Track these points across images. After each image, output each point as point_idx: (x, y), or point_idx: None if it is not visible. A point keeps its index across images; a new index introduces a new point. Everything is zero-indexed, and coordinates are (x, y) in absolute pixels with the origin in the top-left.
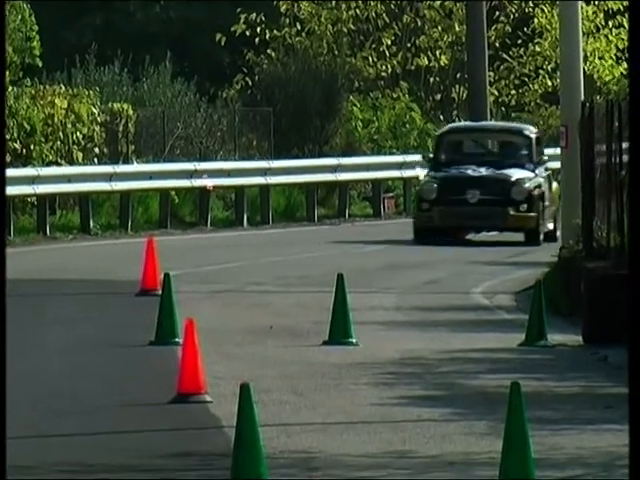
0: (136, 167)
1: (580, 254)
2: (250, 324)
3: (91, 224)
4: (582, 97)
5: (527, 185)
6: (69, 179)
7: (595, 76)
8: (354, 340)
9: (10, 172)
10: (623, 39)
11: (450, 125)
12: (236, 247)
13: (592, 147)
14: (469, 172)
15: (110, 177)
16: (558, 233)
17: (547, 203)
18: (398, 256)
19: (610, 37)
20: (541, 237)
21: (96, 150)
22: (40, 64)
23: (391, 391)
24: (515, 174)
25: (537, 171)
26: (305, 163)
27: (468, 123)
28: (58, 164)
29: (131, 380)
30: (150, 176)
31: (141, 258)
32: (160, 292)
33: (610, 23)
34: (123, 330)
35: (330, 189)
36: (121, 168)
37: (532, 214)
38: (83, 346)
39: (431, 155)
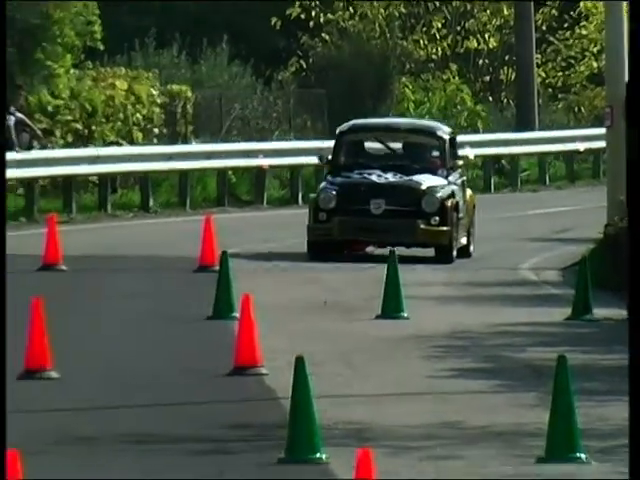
0: (194, 147)
1: (623, 229)
2: (305, 299)
3: (151, 202)
4: (626, 78)
5: (440, 194)
6: (129, 159)
7: None
8: (405, 314)
9: (73, 152)
10: None
11: (352, 122)
12: (291, 225)
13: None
14: (373, 178)
15: (169, 157)
16: (472, 248)
17: (461, 215)
18: None
19: None
20: (454, 253)
21: (155, 130)
22: (101, 47)
23: (441, 364)
24: (426, 181)
25: (450, 178)
26: None
27: (373, 120)
28: (119, 144)
29: (190, 353)
30: (208, 156)
31: (199, 235)
32: (218, 268)
33: None
34: (182, 305)
35: None
36: (180, 148)
37: (445, 228)
38: (143, 321)
39: (329, 157)
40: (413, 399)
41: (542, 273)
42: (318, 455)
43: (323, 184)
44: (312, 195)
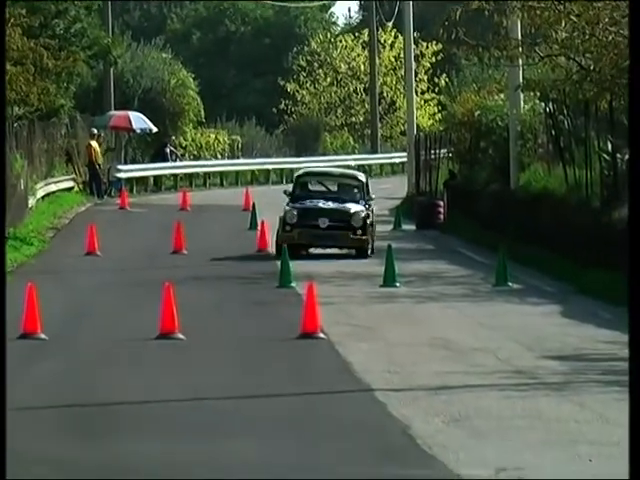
0: (241, 161)
1: (414, 194)
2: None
3: (224, 183)
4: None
5: (362, 215)
6: (214, 165)
7: None
8: (397, 284)
9: (192, 163)
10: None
11: (304, 170)
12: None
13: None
14: (320, 205)
15: (230, 164)
16: (374, 245)
17: (371, 228)
18: None
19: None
20: (369, 252)
21: (225, 154)
22: (203, 120)
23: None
24: (353, 207)
25: (366, 206)
26: None
27: (318, 169)
28: (210, 159)
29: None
30: (246, 165)
31: (243, 195)
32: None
33: None
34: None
35: None
36: (234, 161)
37: (365, 237)
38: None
39: (289, 191)
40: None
41: (382, 211)
42: (292, 284)
43: (287, 207)
44: (280, 215)
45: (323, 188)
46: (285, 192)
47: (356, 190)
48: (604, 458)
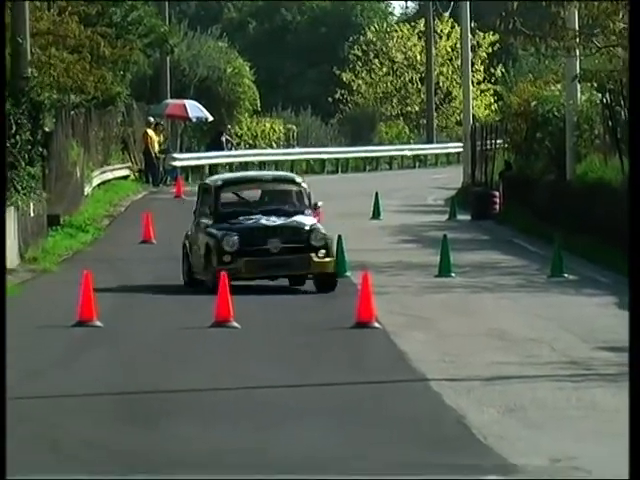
0: (296, 150)
1: (470, 185)
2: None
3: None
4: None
5: (322, 231)
6: (268, 154)
7: None
8: (452, 274)
9: (247, 152)
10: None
11: (220, 178)
12: None
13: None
14: (263, 221)
15: (285, 154)
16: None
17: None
18: None
19: None
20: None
21: (280, 143)
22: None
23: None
24: (306, 221)
25: (314, 217)
26: None
27: (240, 175)
28: (266, 148)
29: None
30: (301, 153)
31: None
32: None
33: None
34: None
35: None
36: (290, 150)
37: (330, 259)
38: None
39: (206, 208)
40: None
41: (438, 201)
42: (347, 273)
43: (215, 230)
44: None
45: (249, 199)
46: (195, 212)
47: (296, 197)
48: None
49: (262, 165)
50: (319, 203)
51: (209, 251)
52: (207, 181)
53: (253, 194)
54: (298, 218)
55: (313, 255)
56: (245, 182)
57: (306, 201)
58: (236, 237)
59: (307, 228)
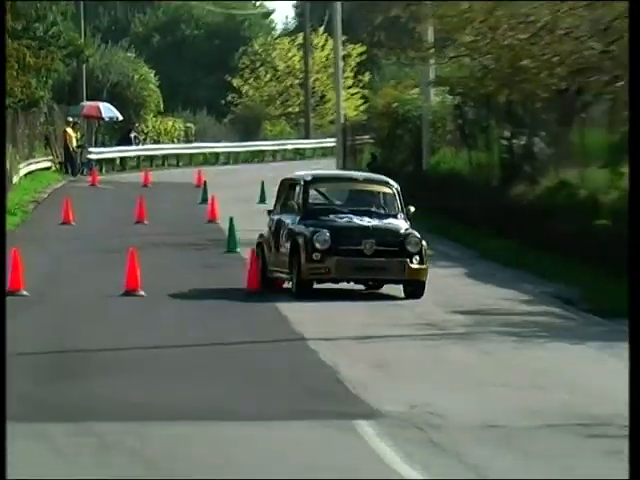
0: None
1: None
2: None
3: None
4: None
5: (418, 237)
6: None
7: None
8: None
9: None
10: None
11: (312, 174)
12: None
13: None
14: (356, 221)
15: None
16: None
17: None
18: None
19: None
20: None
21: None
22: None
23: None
24: (401, 225)
25: (408, 222)
26: None
27: (332, 173)
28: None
29: None
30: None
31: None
32: None
33: None
34: None
35: None
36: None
37: (424, 266)
38: None
39: (293, 204)
40: None
41: None
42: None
43: (302, 227)
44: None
45: (340, 199)
46: (270, 212)
47: (390, 200)
48: (500, 397)
49: (165, 158)
50: (412, 208)
51: (296, 249)
52: (293, 176)
53: (348, 194)
54: (392, 221)
55: (408, 261)
56: (336, 180)
57: (398, 204)
58: (328, 234)
59: (402, 232)
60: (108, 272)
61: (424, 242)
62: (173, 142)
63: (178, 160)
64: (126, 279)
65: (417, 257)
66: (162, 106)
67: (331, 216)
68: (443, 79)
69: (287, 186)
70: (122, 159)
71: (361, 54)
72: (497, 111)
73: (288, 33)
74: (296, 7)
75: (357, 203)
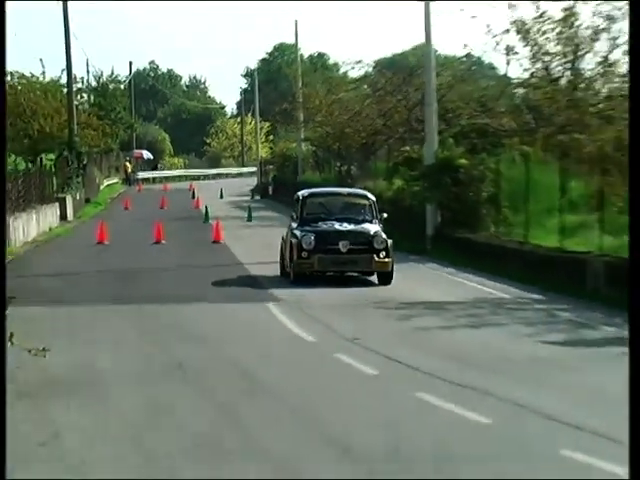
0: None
1: (260, 184)
2: None
3: None
4: None
5: (384, 237)
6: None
7: None
8: None
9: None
10: None
11: (309, 191)
12: None
13: None
14: (337, 227)
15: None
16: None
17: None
18: None
19: None
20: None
21: None
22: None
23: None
24: (372, 228)
25: (380, 226)
26: None
27: (324, 189)
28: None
29: None
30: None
31: None
32: None
33: None
34: None
35: None
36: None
37: (388, 260)
38: None
39: (295, 215)
40: None
41: (247, 190)
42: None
43: (299, 232)
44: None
45: (329, 209)
46: (292, 217)
47: (367, 209)
48: (345, 291)
49: (174, 177)
50: (384, 215)
51: (292, 248)
52: (298, 193)
53: (335, 205)
54: (365, 225)
55: (375, 256)
56: (327, 195)
57: (374, 212)
58: (312, 237)
59: (371, 233)
60: (147, 232)
61: (389, 241)
62: (178, 169)
63: (180, 178)
64: (155, 236)
65: (383, 252)
66: (172, 151)
67: (320, 223)
68: (308, 138)
69: (295, 200)
70: (153, 178)
71: (269, 126)
72: (333, 153)
73: (233, 116)
74: (237, 103)
75: (342, 212)
